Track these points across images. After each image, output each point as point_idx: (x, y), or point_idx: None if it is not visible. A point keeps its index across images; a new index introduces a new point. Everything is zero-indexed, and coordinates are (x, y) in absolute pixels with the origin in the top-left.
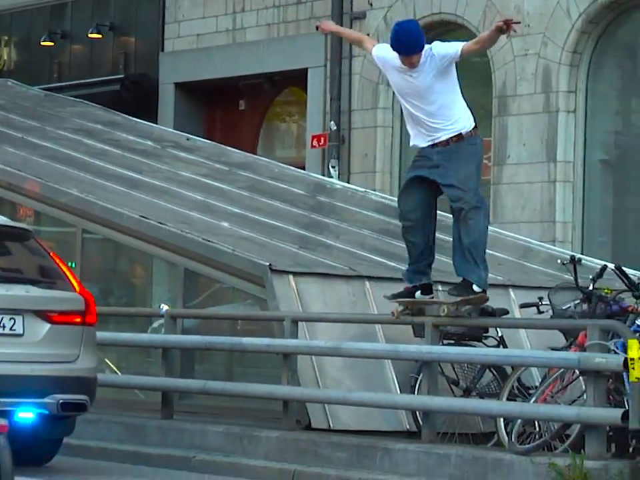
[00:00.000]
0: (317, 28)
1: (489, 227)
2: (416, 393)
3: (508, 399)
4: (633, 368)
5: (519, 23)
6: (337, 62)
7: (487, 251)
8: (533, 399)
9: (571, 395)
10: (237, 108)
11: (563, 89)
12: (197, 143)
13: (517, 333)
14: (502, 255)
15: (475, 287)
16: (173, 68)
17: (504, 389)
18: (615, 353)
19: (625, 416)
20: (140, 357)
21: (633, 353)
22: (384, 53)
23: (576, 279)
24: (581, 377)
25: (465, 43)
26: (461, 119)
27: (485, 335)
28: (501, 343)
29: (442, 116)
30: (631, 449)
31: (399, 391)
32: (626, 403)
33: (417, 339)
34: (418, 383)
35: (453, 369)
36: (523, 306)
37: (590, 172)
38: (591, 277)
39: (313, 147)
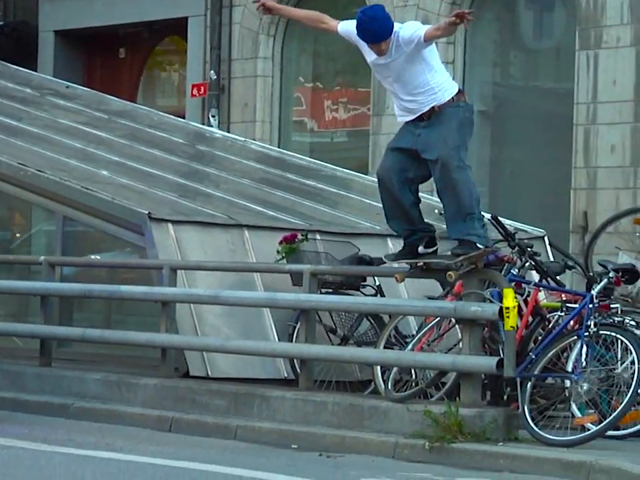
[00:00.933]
0: (257, 7)
1: (370, 177)
2: (294, 341)
3: (385, 347)
4: (508, 317)
5: (472, 11)
6: (217, 11)
7: (364, 200)
8: (410, 347)
9: (447, 343)
10: (117, 56)
11: (442, 40)
12: (77, 91)
13: (394, 282)
14: (380, 205)
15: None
16: (53, 15)
17: (381, 338)
18: (491, 302)
19: (500, 364)
20: (19, 305)
21: (508, 301)
22: (350, 30)
23: None
24: (456, 326)
25: (427, 28)
26: (442, 90)
27: (362, 283)
28: (379, 291)
29: (422, 94)
30: (505, 397)
31: (277, 339)
32: (501, 351)
33: (295, 288)
34: (296, 331)
35: (331, 317)
36: None
37: None
38: None
39: (193, 95)
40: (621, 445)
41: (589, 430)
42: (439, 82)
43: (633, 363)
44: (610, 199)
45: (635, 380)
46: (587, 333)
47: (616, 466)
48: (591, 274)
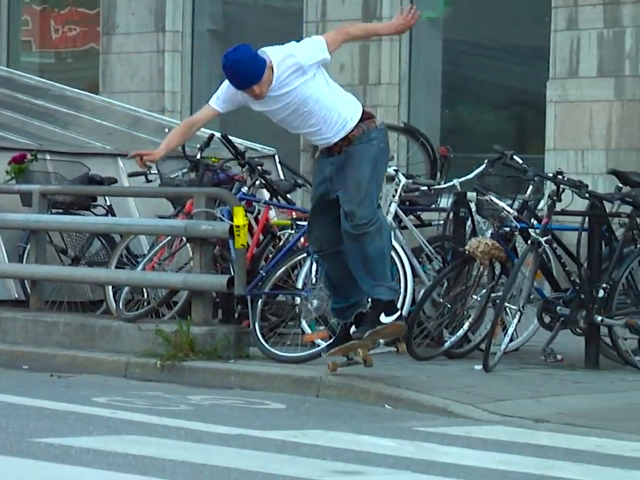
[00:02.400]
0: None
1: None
2: (24, 261)
3: (116, 267)
4: (239, 235)
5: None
6: None
7: (95, 119)
8: (141, 267)
9: (178, 262)
10: None
11: None
12: None
13: (125, 201)
14: (111, 125)
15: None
16: None
17: (112, 257)
18: (221, 220)
19: (231, 282)
20: None
21: (238, 220)
22: (226, 94)
23: (183, 148)
24: (188, 244)
25: (328, 43)
26: (347, 120)
27: (93, 203)
28: (110, 211)
29: (327, 126)
30: (236, 315)
31: (7, 260)
32: (232, 269)
33: (25, 208)
34: (26, 252)
35: (62, 237)
36: (131, 175)
37: (198, 42)
38: (198, 145)
39: None
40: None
41: (319, 346)
42: (343, 107)
43: None
44: None
45: None
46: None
47: (344, 381)
48: None
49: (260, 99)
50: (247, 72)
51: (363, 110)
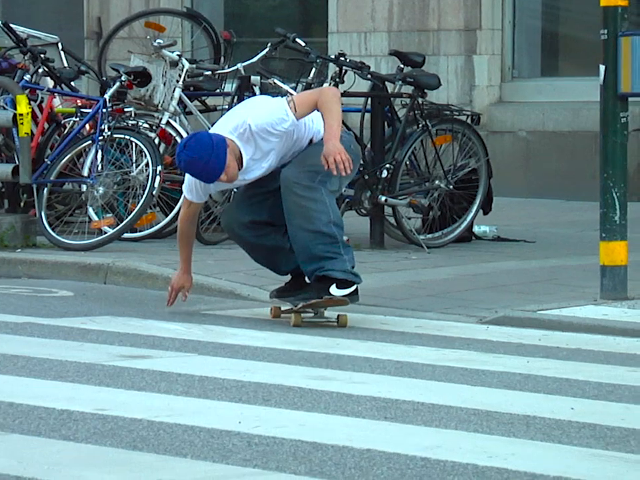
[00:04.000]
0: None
1: None
2: None
3: None
4: (22, 123)
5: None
6: None
7: None
8: None
9: None
10: None
11: None
12: None
13: None
14: None
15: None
16: None
17: None
18: (4, 109)
19: (16, 171)
20: None
21: (21, 108)
22: (201, 187)
23: None
24: None
25: (293, 108)
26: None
27: None
28: None
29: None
30: (22, 204)
31: None
32: (16, 158)
33: None
34: None
35: None
36: None
37: None
38: None
39: None
40: (137, 246)
41: (106, 233)
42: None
43: (147, 165)
44: (123, 3)
45: (149, 182)
46: (101, 137)
47: (132, 267)
48: (104, 78)
49: (234, 180)
50: (207, 168)
51: None
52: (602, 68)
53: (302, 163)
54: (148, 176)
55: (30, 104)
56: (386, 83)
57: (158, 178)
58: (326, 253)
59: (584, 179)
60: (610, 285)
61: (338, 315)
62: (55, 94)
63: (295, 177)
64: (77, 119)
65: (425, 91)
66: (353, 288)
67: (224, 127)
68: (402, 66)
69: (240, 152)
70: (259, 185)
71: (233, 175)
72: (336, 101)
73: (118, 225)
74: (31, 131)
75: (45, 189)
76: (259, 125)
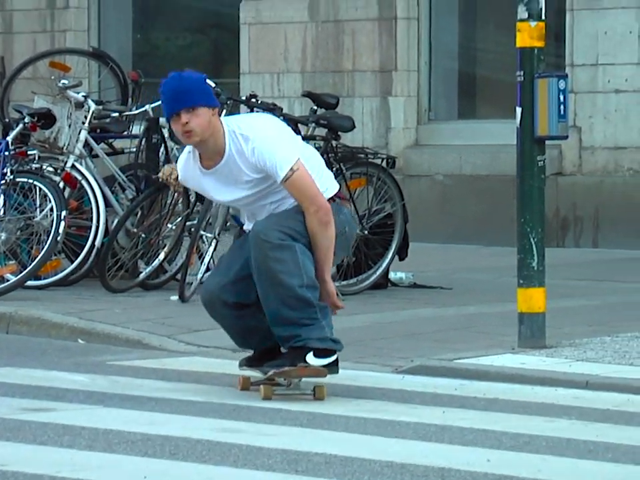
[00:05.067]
0: None
1: None
2: None
3: None
4: None
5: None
6: None
7: None
8: None
9: None
10: None
11: None
12: None
13: None
14: None
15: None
16: None
17: None
18: None
19: None
20: None
21: None
22: (184, 172)
23: None
24: None
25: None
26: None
27: None
28: None
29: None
30: None
31: None
32: None
33: None
34: None
35: None
36: None
37: None
38: None
39: None
40: (41, 294)
41: (8, 281)
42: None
43: (51, 210)
44: (27, 42)
45: (54, 227)
46: (3, 181)
47: (35, 315)
48: (7, 120)
49: (212, 167)
50: (183, 88)
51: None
52: (518, 110)
53: (278, 221)
54: (52, 221)
55: None
56: (299, 125)
57: (63, 223)
58: (301, 319)
59: (502, 223)
60: (528, 332)
61: (314, 387)
62: None
63: (265, 234)
64: None
65: (339, 133)
66: (333, 358)
67: (232, 117)
68: (315, 108)
69: (224, 143)
70: (247, 265)
71: (202, 133)
72: (323, 228)
73: (21, 272)
74: None
75: None
76: (260, 151)
